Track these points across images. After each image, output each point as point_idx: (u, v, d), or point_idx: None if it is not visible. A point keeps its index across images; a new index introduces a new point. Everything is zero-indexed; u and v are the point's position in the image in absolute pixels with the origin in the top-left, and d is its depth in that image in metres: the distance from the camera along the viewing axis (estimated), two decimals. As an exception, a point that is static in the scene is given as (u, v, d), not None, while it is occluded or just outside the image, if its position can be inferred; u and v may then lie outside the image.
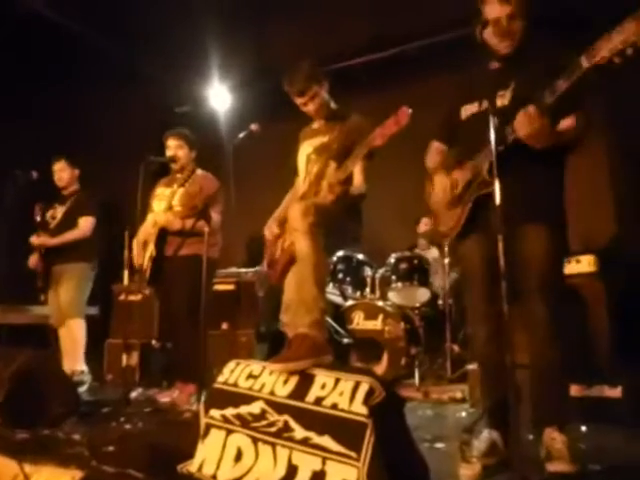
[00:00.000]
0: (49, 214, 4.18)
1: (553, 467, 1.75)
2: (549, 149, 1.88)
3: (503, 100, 1.94)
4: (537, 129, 1.74)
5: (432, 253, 4.35)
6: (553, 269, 1.93)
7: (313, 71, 2.53)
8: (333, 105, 2.64)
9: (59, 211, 4.14)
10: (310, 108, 2.56)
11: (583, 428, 2.35)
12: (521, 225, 1.89)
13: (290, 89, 2.52)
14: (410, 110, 1.98)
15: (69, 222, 4.08)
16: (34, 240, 3.99)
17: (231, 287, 4.21)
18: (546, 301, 1.86)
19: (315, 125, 2.69)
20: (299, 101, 2.55)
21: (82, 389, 3.71)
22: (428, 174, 2.24)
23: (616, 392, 2.49)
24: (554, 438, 1.82)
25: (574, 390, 2.54)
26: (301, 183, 2.63)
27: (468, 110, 2.08)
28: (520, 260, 1.88)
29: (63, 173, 4.20)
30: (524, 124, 1.75)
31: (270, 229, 2.64)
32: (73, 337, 3.98)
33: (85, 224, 4.07)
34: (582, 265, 3.02)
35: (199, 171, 3.53)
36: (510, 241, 1.77)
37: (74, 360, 3.98)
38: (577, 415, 2.41)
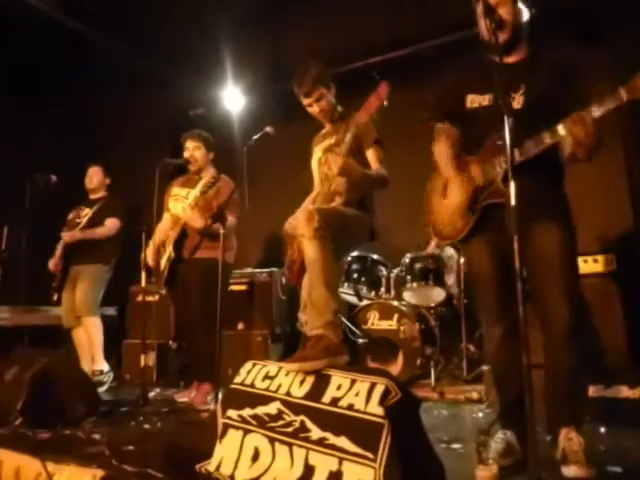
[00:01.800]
0: (73, 215, 4.26)
1: (569, 471, 1.74)
2: (554, 153, 1.88)
3: (514, 103, 1.91)
4: (591, 135, 1.71)
5: (447, 252, 4.32)
6: (571, 266, 1.92)
7: (321, 73, 2.58)
8: (339, 108, 2.69)
9: (85, 212, 4.23)
10: (315, 109, 2.60)
11: (602, 429, 2.33)
12: (534, 224, 1.87)
13: (297, 90, 2.58)
14: (388, 85, 2.05)
15: (96, 223, 4.17)
16: (65, 237, 4.07)
17: (246, 287, 4.24)
18: (568, 301, 1.84)
19: (324, 131, 2.75)
20: (305, 102, 2.60)
21: (102, 389, 3.77)
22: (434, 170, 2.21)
23: (635, 393, 2.46)
24: (571, 439, 1.81)
25: (592, 391, 2.52)
26: (316, 187, 2.66)
27: (476, 101, 2.04)
28: (536, 259, 1.87)
29: (95, 177, 4.35)
30: (579, 129, 1.70)
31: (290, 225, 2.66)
32: (89, 336, 4.05)
33: (112, 224, 4.18)
34: (599, 265, 2.99)
35: (222, 176, 3.56)
36: (523, 241, 1.76)
37: (93, 359, 4.05)
38: (596, 416, 2.39)
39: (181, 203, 3.49)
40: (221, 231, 2.82)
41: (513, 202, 1.54)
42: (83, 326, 4.07)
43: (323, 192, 2.51)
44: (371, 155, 2.46)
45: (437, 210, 2.16)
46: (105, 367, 4.08)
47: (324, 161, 2.60)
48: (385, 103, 2.07)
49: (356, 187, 2.46)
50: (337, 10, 4.80)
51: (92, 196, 4.36)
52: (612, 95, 1.65)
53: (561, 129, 1.75)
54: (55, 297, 4.14)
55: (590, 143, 1.75)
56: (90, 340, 4.06)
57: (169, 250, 3.39)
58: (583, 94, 1.85)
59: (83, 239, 4.08)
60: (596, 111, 1.68)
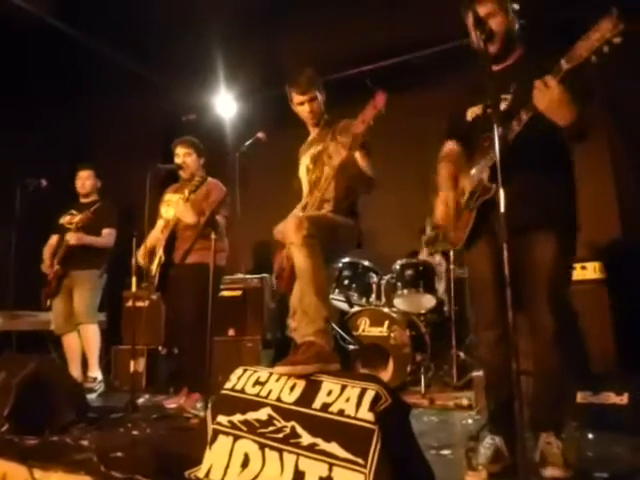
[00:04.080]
0: (66, 220, 4.23)
1: (546, 472, 1.78)
2: (556, 150, 1.89)
3: (504, 104, 1.95)
4: (557, 96, 1.71)
5: (437, 259, 4.34)
6: (561, 278, 1.92)
7: (316, 77, 2.64)
8: (326, 116, 2.71)
9: (78, 217, 4.19)
10: (306, 109, 2.62)
11: (590, 435, 2.34)
12: (530, 231, 1.89)
13: (292, 87, 2.61)
14: (386, 94, 2.05)
15: (90, 229, 4.13)
16: (72, 239, 4.02)
17: (237, 293, 4.23)
18: (553, 310, 1.86)
19: (310, 138, 2.76)
20: (298, 100, 2.62)
21: (92, 396, 3.73)
22: (436, 188, 2.25)
23: (623, 399, 2.48)
24: (550, 443, 1.85)
25: (580, 397, 2.54)
26: (304, 196, 2.67)
27: (473, 112, 2.10)
28: (528, 267, 1.89)
29: (88, 181, 4.32)
30: (543, 93, 1.72)
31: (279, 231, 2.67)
32: (87, 343, 4.03)
33: (110, 235, 4.18)
34: (588, 272, 3.02)
35: (209, 178, 3.58)
36: (519, 246, 1.77)
37: (88, 366, 4.03)
38: (584, 422, 2.40)
39: (172, 207, 3.49)
40: (212, 236, 2.82)
41: (502, 208, 1.55)
42: (82, 333, 4.05)
43: (312, 199, 2.51)
44: (359, 158, 2.48)
45: (445, 222, 2.17)
46: (99, 375, 4.06)
47: (312, 170, 2.62)
48: (382, 111, 2.08)
49: (346, 194, 2.48)
50: (330, 17, 4.83)
51: (84, 200, 4.33)
52: (557, 68, 1.69)
53: (533, 100, 1.77)
54: (48, 303, 4.10)
55: (559, 108, 1.75)
56: (88, 347, 4.04)
57: (159, 254, 3.38)
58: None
59: (88, 244, 4.06)
60: (551, 80, 1.71)
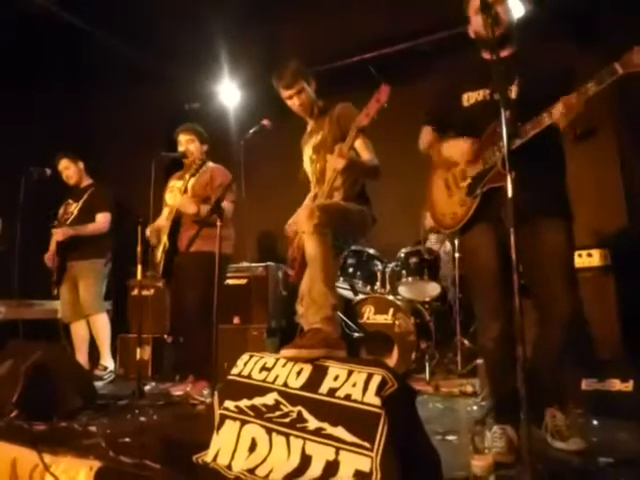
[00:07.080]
0: (62, 210, 4.22)
1: (572, 446, 1.90)
2: (557, 144, 1.96)
3: (510, 94, 1.97)
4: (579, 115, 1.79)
5: (444, 247, 4.33)
6: (573, 263, 2.02)
7: (301, 68, 2.59)
8: (320, 103, 2.69)
9: (74, 206, 4.18)
10: (295, 102, 2.60)
11: (595, 422, 2.35)
12: (539, 219, 1.92)
13: (278, 82, 2.58)
14: (389, 87, 2.05)
15: (85, 217, 4.12)
16: (57, 235, 4.01)
17: (243, 282, 4.23)
18: (570, 294, 1.92)
19: (309, 128, 2.75)
20: (285, 94, 2.60)
21: (99, 384, 3.76)
22: (432, 168, 2.27)
23: (628, 386, 2.48)
24: (555, 416, 1.96)
25: (585, 384, 2.55)
26: (312, 186, 2.67)
27: (472, 97, 2.09)
28: (541, 253, 1.93)
29: (69, 170, 4.25)
30: (568, 111, 1.78)
31: (290, 227, 2.68)
32: (97, 332, 4.06)
33: (103, 219, 4.12)
34: (594, 259, 3.02)
35: (210, 163, 3.57)
36: (528, 233, 1.82)
37: (100, 355, 4.05)
38: (589, 409, 2.41)
39: (176, 193, 3.49)
40: (218, 223, 2.81)
41: (510, 194, 1.55)
42: (91, 323, 4.07)
43: (322, 190, 2.51)
44: (359, 145, 2.46)
45: (437, 200, 2.19)
46: (110, 365, 4.09)
47: (315, 160, 2.62)
48: (385, 105, 2.08)
49: (355, 181, 2.47)
50: (333, 5, 4.79)
51: (78, 187, 4.29)
52: (607, 70, 1.70)
53: (557, 109, 1.80)
54: (55, 291, 4.12)
55: (577, 121, 1.82)
56: (98, 337, 4.07)
57: (164, 241, 3.39)
58: (572, 81, 1.90)
59: (76, 235, 4.03)
60: (593, 87, 1.73)
